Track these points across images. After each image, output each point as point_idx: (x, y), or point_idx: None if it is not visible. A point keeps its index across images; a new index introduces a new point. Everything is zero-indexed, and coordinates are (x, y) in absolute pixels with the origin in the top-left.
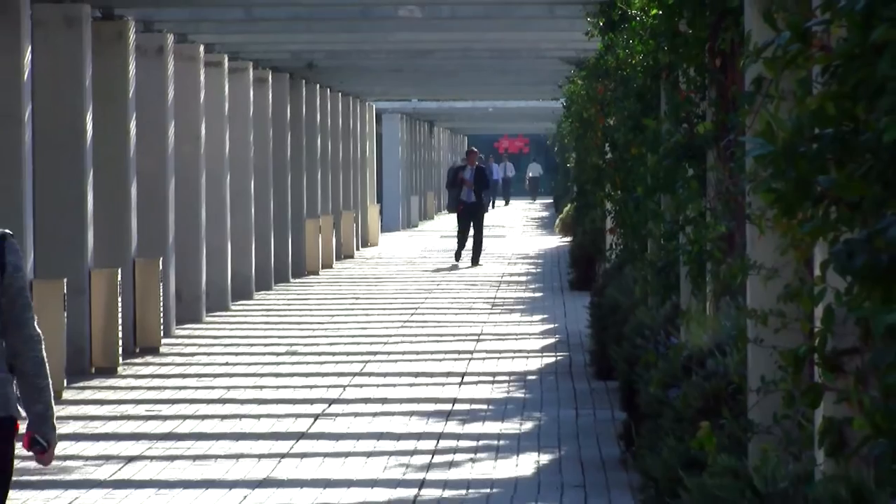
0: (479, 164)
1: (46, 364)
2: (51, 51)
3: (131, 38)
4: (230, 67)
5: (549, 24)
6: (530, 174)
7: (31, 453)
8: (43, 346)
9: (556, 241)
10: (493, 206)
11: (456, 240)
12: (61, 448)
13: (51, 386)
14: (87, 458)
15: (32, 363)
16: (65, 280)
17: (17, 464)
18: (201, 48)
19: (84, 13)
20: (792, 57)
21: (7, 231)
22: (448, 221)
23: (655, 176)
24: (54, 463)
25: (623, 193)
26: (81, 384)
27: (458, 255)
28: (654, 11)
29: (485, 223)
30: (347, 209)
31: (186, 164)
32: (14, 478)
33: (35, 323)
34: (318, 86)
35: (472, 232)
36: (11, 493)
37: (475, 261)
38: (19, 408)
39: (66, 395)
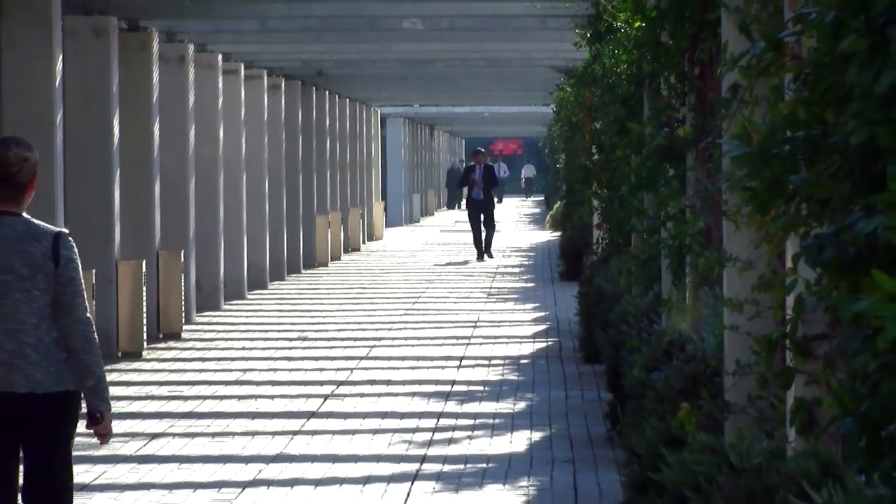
0: (487, 162)
1: (96, 342)
2: (81, 59)
3: (155, 47)
4: (246, 75)
5: (540, 35)
6: (525, 174)
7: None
8: (93, 328)
9: (547, 235)
10: (501, 202)
11: (472, 238)
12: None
13: (101, 363)
14: (114, 436)
15: (81, 341)
16: (94, 271)
17: None
18: (219, 57)
19: (111, 25)
20: (766, 65)
21: (63, 230)
22: (447, 217)
23: (639, 175)
24: (82, 440)
25: (609, 192)
26: (109, 367)
27: (479, 255)
28: (637, 24)
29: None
30: (354, 206)
31: (206, 164)
32: None
33: (85, 308)
34: (327, 92)
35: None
36: None
37: (481, 255)
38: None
39: None
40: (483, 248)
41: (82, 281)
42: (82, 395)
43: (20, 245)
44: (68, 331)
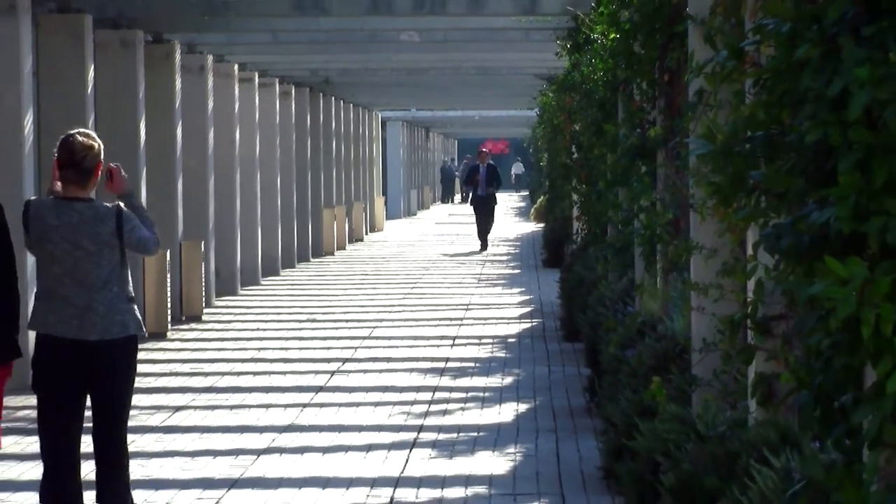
0: (490, 160)
1: (151, 243)
2: (110, 69)
3: (177, 58)
4: (260, 83)
5: (525, 46)
6: (514, 171)
7: None
8: (150, 244)
9: (532, 226)
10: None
11: (476, 230)
12: None
13: (147, 220)
14: (141, 409)
15: (149, 251)
16: None
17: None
18: (236, 67)
19: (138, 38)
20: (728, 72)
21: (119, 204)
22: (441, 210)
23: (614, 172)
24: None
25: (587, 187)
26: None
27: (483, 246)
28: (612, 35)
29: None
30: (358, 200)
31: (223, 163)
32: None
33: (156, 241)
34: (332, 98)
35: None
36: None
37: (483, 245)
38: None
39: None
40: (483, 239)
41: (139, 229)
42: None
43: (88, 227)
44: (148, 251)
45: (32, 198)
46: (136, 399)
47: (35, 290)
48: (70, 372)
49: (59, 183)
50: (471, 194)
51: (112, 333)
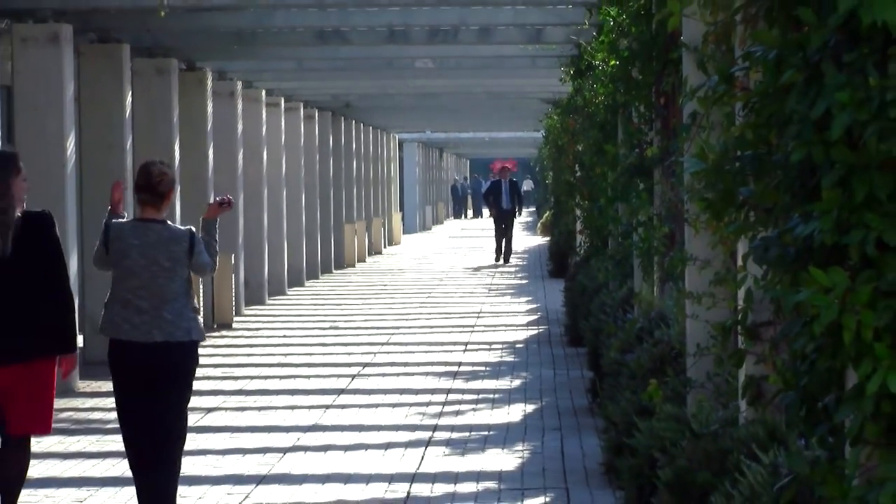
0: (511, 176)
1: (210, 266)
2: (146, 94)
3: (209, 84)
4: (286, 107)
5: (531, 72)
6: (525, 188)
7: None
8: (209, 267)
9: (539, 239)
10: (520, 214)
11: (495, 241)
12: None
13: (215, 253)
14: None
15: (206, 273)
16: None
17: (108, 415)
18: (263, 92)
19: (172, 65)
20: (719, 96)
21: (192, 228)
22: (454, 225)
23: (614, 189)
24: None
25: (589, 203)
26: None
27: (497, 256)
28: (612, 62)
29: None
30: (377, 216)
31: (252, 180)
32: (110, 426)
33: (204, 261)
34: (353, 121)
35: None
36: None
37: (507, 258)
38: (200, 334)
39: None
40: (502, 252)
41: (204, 252)
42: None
43: (164, 246)
44: (206, 272)
45: (113, 221)
46: None
47: (106, 299)
48: (141, 370)
49: (118, 204)
50: (493, 209)
51: (177, 337)
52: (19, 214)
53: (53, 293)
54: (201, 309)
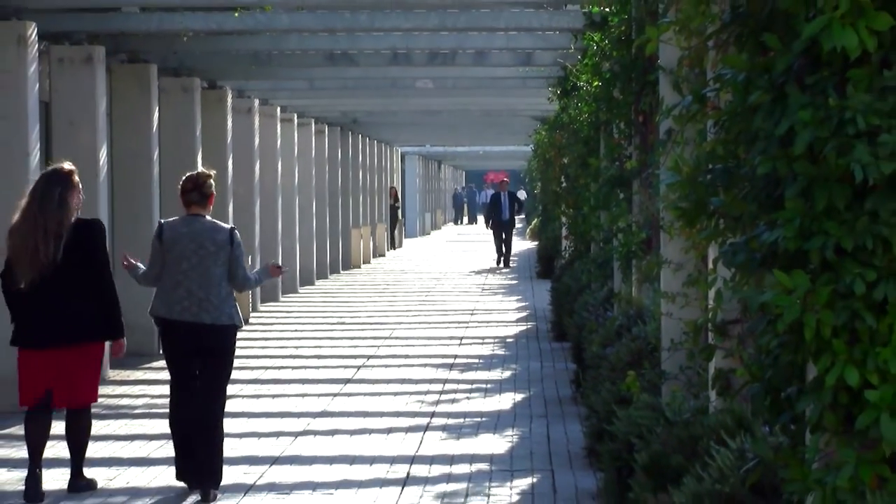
0: (509, 188)
1: (250, 285)
2: (172, 110)
3: (229, 101)
4: (298, 122)
5: (522, 92)
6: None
7: None
8: (248, 284)
9: (528, 244)
10: (518, 223)
11: (495, 248)
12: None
13: (251, 286)
14: None
15: (241, 285)
16: None
17: (135, 401)
18: (278, 109)
19: (196, 84)
20: (693, 114)
21: (233, 226)
22: (451, 230)
23: (596, 198)
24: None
25: (574, 211)
26: None
27: (498, 261)
28: (595, 83)
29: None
30: (381, 222)
31: (267, 189)
32: (137, 410)
33: (245, 274)
34: (359, 135)
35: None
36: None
37: (507, 263)
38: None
39: None
40: (502, 257)
41: (243, 257)
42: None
43: (209, 234)
44: (236, 284)
45: (163, 220)
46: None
47: (157, 288)
48: (188, 346)
49: (128, 257)
50: (492, 218)
51: (221, 321)
52: (72, 222)
53: (99, 289)
54: None
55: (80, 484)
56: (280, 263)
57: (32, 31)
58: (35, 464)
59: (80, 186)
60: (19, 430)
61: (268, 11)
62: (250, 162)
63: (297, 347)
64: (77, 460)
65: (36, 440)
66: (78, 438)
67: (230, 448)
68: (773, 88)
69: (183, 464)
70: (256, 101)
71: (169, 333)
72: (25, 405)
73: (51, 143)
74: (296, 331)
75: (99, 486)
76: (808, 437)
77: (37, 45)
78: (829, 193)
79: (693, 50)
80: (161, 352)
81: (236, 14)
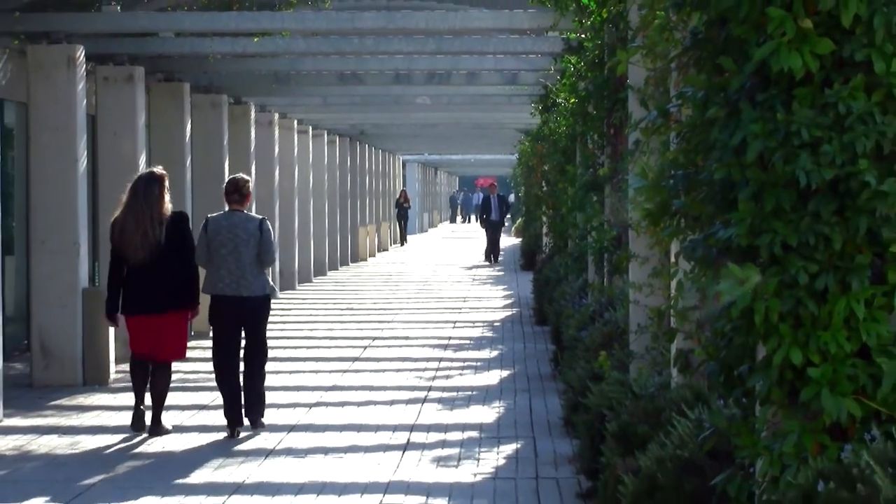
0: (498, 192)
1: (273, 262)
2: (202, 123)
3: (252, 115)
4: (313, 134)
5: (508, 108)
6: (511, 200)
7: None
8: (276, 264)
9: (513, 240)
10: (506, 222)
11: (486, 246)
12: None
13: (272, 263)
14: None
15: (269, 263)
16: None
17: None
18: (295, 122)
19: (223, 100)
20: (657, 127)
21: (263, 217)
22: (447, 228)
23: (573, 201)
24: (194, 374)
25: (553, 211)
26: None
27: (487, 257)
28: (572, 100)
29: (501, 234)
30: (385, 220)
31: (285, 191)
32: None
33: (273, 256)
34: (366, 145)
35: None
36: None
37: (495, 259)
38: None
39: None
40: (491, 255)
41: (273, 242)
42: (271, 297)
43: (243, 226)
44: (266, 263)
45: (209, 215)
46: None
47: (206, 273)
48: (231, 315)
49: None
50: (483, 218)
51: (256, 292)
52: (168, 214)
53: (185, 268)
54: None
55: (159, 429)
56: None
57: (80, 54)
58: (139, 402)
59: (168, 186)
60: (70, 401)
61: (286, 37)
62: (271, 168)
63: (311, 329)
64: (157, 408)
65: (139, 385)
66: (160, 389)
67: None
68: (728, 104)
69: (231, 411)
70: (276, 115)
71: (216, 306)
72: (134, 351)
73: (97, 151)
74: (310, 315)
75: (172, 428)
76: (757, 409)
77: (84, 66)
78: (776, 196)
79: (658, 71)
80: (209, 322)
81: (255, 40)
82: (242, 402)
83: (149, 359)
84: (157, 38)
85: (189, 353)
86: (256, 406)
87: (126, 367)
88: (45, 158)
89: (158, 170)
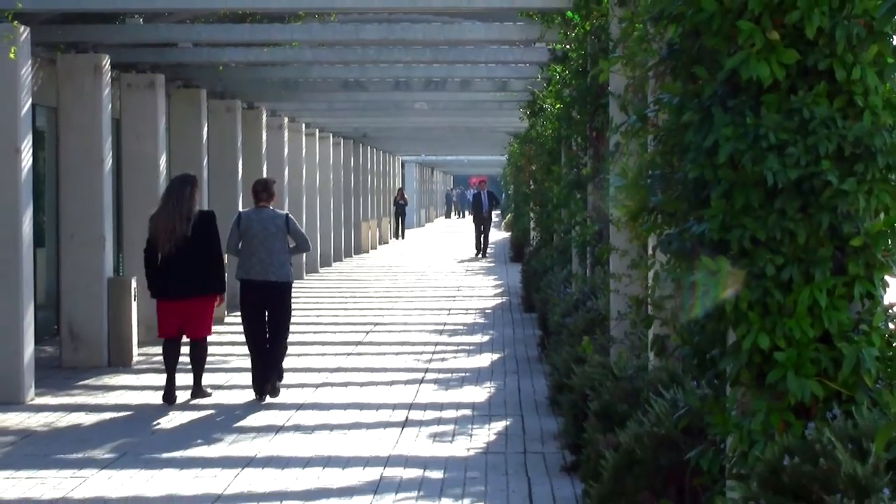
0: (487, 188)
1: (307, 248)
2: (218, 127)
3: (264, 119)
4: (320, 136)
5: (499, 113)
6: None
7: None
8: (308, 246)
9: (503, 234)
10: (497, 216)
11: (475, 239)
12: (227, 350)
13: (310, 247)
14: (237, 356)
15: (302, 246)
16: (226, 257)
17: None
18: (303, 125)
19: (237, 105)
20: (636, 130)
21: (288, 213)
22: (442, 223)
23: (558, 198)
24: (210, 357)
25: (540, 208)
26: (236, 313)
27: (477, 249)
28: (557, 106)
29: (491, 228)
30: (385, 216)
31: (294, 189)
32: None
33: (306, 240)
34: (368, 147)
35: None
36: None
37: (484, 252)
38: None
39: (227, 320)
40: (481, 248)
41: (302, 232)
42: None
43: (271, 220)
44: (301, 247)
45: (241, 211)
46: (230, 349)
47: (238, 261)
48: (259, 298)
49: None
50: (474, 213)
51: (282, 277)
52: (196, 212)
53: (212, 258)
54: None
55: (200, 391)
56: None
57: (106, 62)
58: (171, 376)
59: (199, 186)
60: (96, 381)
61: (295, 47)
62: (281, 167)
63: (317, 315)
64: (197, 376)
65: (171, 360)
66: (198, 360)
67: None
68: (701, 110)
69: (258, 374)
70: (286, 119)
71: (246, 289)
72: (162, 337)
73: (121, 152)
74: (316, 302)
75: (212, 393)
76: (728, 390)
77: (110, 73)
78: (746, 194)
79: (637, 79)
80: (239, 303)
81: (266, 49)
82: (267, 371)
83: (177, 339)
84: (176, 48)
85: (209, 339)
86: (276, 372)
87: (147, 350)
88: (73, 159)
89: (192, 173)
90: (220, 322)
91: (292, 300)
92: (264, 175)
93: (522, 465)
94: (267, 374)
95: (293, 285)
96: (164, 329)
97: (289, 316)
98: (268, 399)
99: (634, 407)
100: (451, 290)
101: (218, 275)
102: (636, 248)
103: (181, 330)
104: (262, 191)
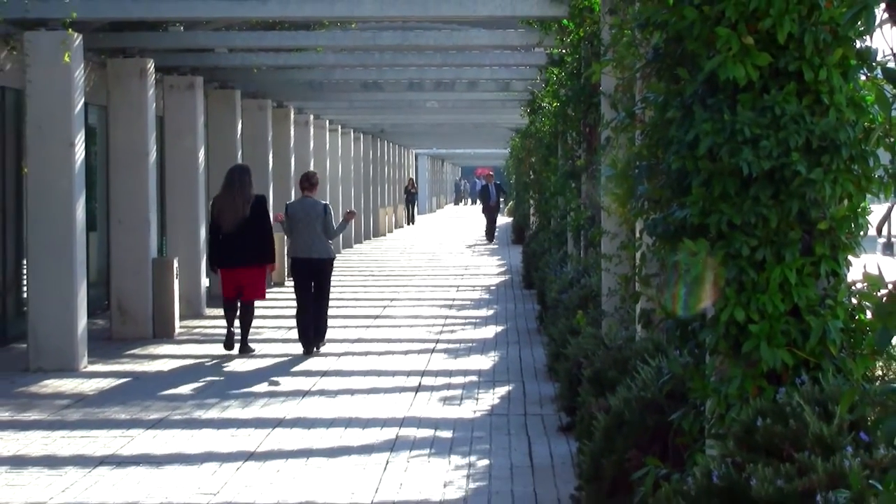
0: (495, 181)
1: (336, 234)
2: (251, 124)
3: (292, 117)
4: (342, 132)
5: (502, 110)
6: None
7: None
8: (335, 235)
9: (506, 219)
10: (502, 205)
11: (485, 227)
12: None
13: (336, 236)
14: (253, 341)
15: (333, 236)
16: None
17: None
18: (327, 122)
19: (268, 104)
20: (625, 126)
21: (327, 202)
22: (452, 210)
23: (555, 187)
24: (268, 326)
25: (538, 195)
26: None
27: (487, 236)
28: (554, 104)
29: (497, 215)
30: (400, 203)
31: (319, 181)
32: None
33: (333, 229)
34: (386, 141)
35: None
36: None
37: (491, 238)
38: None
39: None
40: (490, 234)
41: (332, 223)
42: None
43: (312, 207)
44: (329, 235)
45: (289, 201)
46: (254, 330)
47: (288, 242)
48: (307, 272)
49: (280, 215)
50: (483, 204)
51: (324, 255)
52: (252, 196)
53: (264, 234)
54: (286, 267)
55: (247, 349)
56: (351, 209)
57: (150, 66)
58: (230, 327)
59: (252, 176)
60: (142, 351)
61: (320, 52)
62: (306, 160)
63: (341, 292)
64: (245, 334)
65: (230, 316)
66: (247, 320)
67: (291, 362)
68: (683, 107)
69: (304, 337)
70: (312, 116)
71: (296, 265)
72: (225, 297)
73: (164, 146)
74: (340, 280)
75: (257, 351)
76: (707, 359)
77: (153, 76)
78: (723, 183)
79: (625, 79)
80: (290, 276)
81: (293, 54)
82: (312, 331)
83: (236, 300)
84: (213, 52)
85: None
86: (319, 333)
87: (188, 322)
88: (121, 152)
89: (246, 164)
90: (282, 285)
91: (332, 272)
92: (291, 166)
93: (523, 426)
94: (311, 332)
95: (335, 260)
96: (226, 292)
97: (328, 285)
98: (312, 353)
99: (623, 374)
100: (460, 269)
101: (269, 248)
102: (625, 232)
103: (239, 293)
104: (306, 181)
